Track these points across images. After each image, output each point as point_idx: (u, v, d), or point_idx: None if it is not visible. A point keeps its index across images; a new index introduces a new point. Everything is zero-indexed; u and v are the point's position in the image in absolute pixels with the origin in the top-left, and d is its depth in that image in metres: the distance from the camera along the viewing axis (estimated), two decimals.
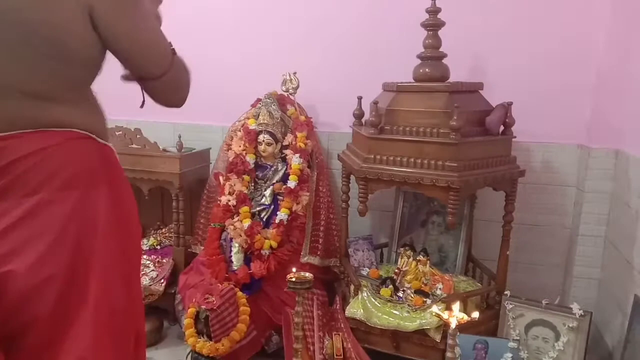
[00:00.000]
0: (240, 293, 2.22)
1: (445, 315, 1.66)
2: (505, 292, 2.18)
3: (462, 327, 1.95)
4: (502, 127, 2.10)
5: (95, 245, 1.06)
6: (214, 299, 2.11)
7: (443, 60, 2.20)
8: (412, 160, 1.99)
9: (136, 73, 1.15)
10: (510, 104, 2.08)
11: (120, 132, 2.63)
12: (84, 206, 1.07)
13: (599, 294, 2.40)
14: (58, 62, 1.02)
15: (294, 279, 1.83)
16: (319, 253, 2.51)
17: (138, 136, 2.61)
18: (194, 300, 2.19)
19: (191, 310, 2.17)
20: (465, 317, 1.65)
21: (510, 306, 2.16)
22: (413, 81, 2.21)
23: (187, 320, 2.16)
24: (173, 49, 1.17)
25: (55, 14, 0.98)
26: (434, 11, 2.14)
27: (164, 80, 1.15)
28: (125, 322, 1.13)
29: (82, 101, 1.13)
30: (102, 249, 1.08)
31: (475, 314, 1.69)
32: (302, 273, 1.86)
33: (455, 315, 1.59)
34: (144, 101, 1.21)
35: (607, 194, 2.33)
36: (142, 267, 2.66)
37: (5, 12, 0.96)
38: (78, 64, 1.06)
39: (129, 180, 2.55)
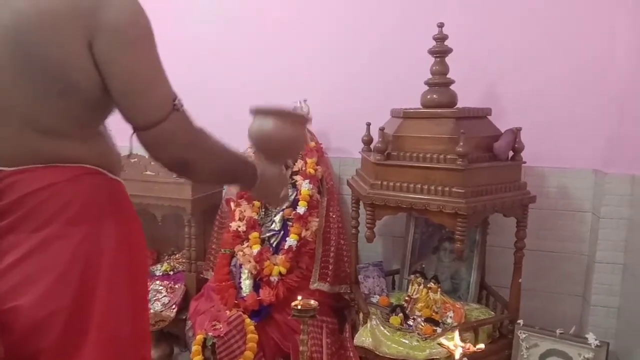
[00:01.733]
0: (248, 320, 2.22)
1: (451, 345, 1.62)
2: (518, 321, 2.12)
3: (474, 358, 1.90)
4: (511, 153, 2.07)
5: (101, 278, 1.08)
6: (221, 325, 2.11)
7: (451, 87, 2.20)
8: (418, 186, 1.98)
9: (127, 118, 1.09)
10: (519, 129, 2.06)
11: (135, 159, 2.68)
12: (91, 241, 1.08)
13: (618, 323, 2.32)
14: (66, 100, 1.03)
15: (299, 307, 1.82)
16: (328, 279, 2.48)
17: (152, 163, 2.65)
18: (202, 327, 2.19)
19: (199, 337, 2.17)
20: (472, 348, 1.61)
21: (524, 335, 2.10)
22: (421, 107, 2.21)
23: (194, 347, 2.16)
24: (175, 105, 1.09)
25: (59, 47, 0.98)
26: (440, 38, 2.15)
27: (153, 133, 1.07)
28: (129, 351, 1.14)
29: (93, 137, 1.14)
30: (108, 283, 1.09)
31: (481, 345, 1.65)
32: (307, 300, 1.85)
33: (459, 345, 1.55)
34: (131, 150, 1.19)
35: (624, 220, 2.27)
36: (154, 293, 2.69)
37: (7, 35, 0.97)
38: (86, 102, 1.05)
39: (143, 206, 2.61)
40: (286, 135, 1.32)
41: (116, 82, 1.04)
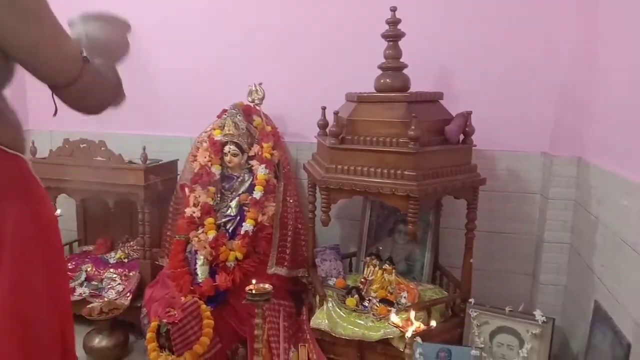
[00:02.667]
0: (204, 306, 2.20)
1: (400, 324, 1.66)
2: (470, 300, 2.18)
3: (427, 336, 1.96)
4: (462, 136, 2.11)
5: (4, 252, 1.05)
6: (175, 312, 2.08)
7: (405, 71, 2.22)
8: (372, 169, 2.00)
9: (43, 81, 1.13)
10: (469, 113, 2.10)
11: (85, 145, 2.61)
12: None
13: (565, 300, 2.41)
14: None
15: (253, 291, 1.82)
16: (286, 264, 2.49)
17: (102, 148, 2.59)
18: (156, 313, 2.17)
19: (153, 324, 2.14)
20: (422, 326, 1.65)
21: (475, 314, 2.16)
22: (375, 91, 2.22)
23: (149, 335, 2.13)
24: (85, 57, 1.15)
25: None
26: (393, 22, 2.16)
27: (74, 88, 1.14)
28: (46, 329, 1.13)
29: None
30: (13, 263, 1.06)
31: (433, 323, 1.69)
32: (262, 285, 1.84)
33: (413, 324, 1.59)
34: (56, 109, 1.19)
35: (571, 201, 2.35)
36: (109, 281, 2.64)
37: None
38: None
39: (94, 193, 2.55)
40: (112, 37, 1.34)
41: (25, 53, 1.06)
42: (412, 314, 1.66)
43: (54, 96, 1.16)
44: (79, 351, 2.33)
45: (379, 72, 2.24)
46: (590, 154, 2.21)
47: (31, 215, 1.12)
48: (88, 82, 1.16)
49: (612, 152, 1.97)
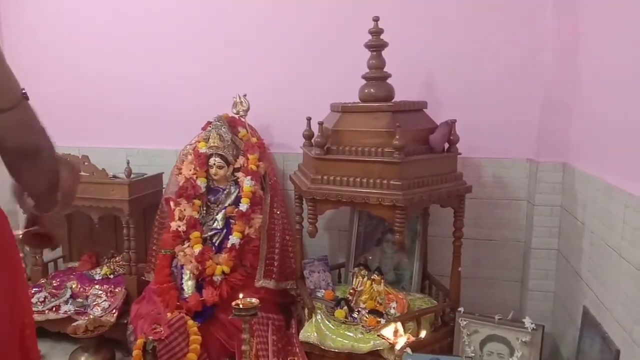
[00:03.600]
0: (191, 322, 2.17)
1: (391, 337, 1.64)
2: (459, 309, 2.17)
3: (417, 346, 1.94)
4: (446, 145, 2.11)
5: None
6: (161, 329, 2.05)
7: (389, 81, 2.22)
8: (358, 180, 1.99)
9: None
10: (454, 121, 2.10)
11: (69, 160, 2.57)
12: None
13: (554, 306, 2.41)
14: None
15: (240, 306, 1.79)
16: (274, 276, 2.47)
17: (86, 163, 2.56)
18: (142, 330, 2.13)
19: (139, 342, 2.11)
20: (412, 338, 1.63)
21: (464, 322, 2.15)
22: (359, 101, 2.22)
23: (135, 352, 2.09)
24: (25, 94, 1.08)
25: None
26: (376, 32, 2.16)
27: (10, 115, 1.05)
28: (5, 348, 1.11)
29: None
30: None
31: (422, 334, 1.68)
32: (249, 299, 1.82)
33: (401, 337, 1.57)
34: None
35: (557, 207, 2.36)
36: (94, 298, 2.60)
37: None
38: None
39: (77, 208, 2.52)
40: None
41: None
42: (400, 326, 1.64)
43: None
44: None
45: (364, 82, 2.24)
46: (575, 159, 2.22)
47: None
48: (24, 116, 1.08)
49: (596, 157, 1.98)
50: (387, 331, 1.73)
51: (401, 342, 1.58)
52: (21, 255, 1.28)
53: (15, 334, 1.16)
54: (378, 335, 1.87)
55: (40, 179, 1.18)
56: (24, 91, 1.08)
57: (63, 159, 1.24)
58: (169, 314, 2.18)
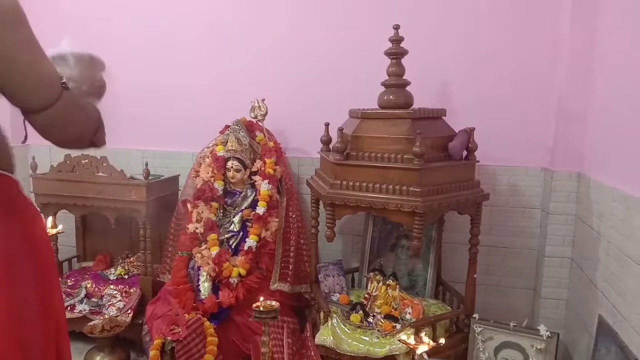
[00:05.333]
0: (207, 323, 2.19)
1: (411, 341, 1.66)
2: (474, 315, 2.19)
3: (432, 352, 1.95)
4: (465, 152, 2.13)
5: None
6: (180, 329, 2.07)
7: (407, 88, 2.24)
8: (377, 185, 2.01)
9: (15, 103, 1.05)
10: (472, 129, 2.12)
11: (86, 161, 2.60)
12: None
13: (567, 314, 2.42)
14: None
15: (260, 309, 1.81)
16: (289, 280, 2.49)
17: (104, 164, 2.58)
18: (160, 331, 2.15)
19: (157, 342, 2.12)
20: (431, 343, 1.65)
21: (479, 329, 2.16)
22: (378, 108, 2.24)
23: (152, 352, 2.11)
24: (64, 84, 1.08)
25: None
26: (396, 40, 2.18)
27: (48, 114, 1.05)
28: (41, 348, 1.12)
29: None
30: (4, 283, 1.05)
31: (442, 340, 1.69)
32: (269, 302, 1.84)
33: (423, 343, 1.59)
34: (26, 135, 1.12)
35: (572, 216, 2.38)
36: (109, 298, 2.62)
37: None
38: None
39: (95, 209, 2.54)
40: (85, 77, 1.28)
41: (1, 77, 0.99)
42: (423, 333, 1.66)
43: (25, 122, 1.08)
44: None
45: (380, 88, 2.27)
46: (590, 169, 2.24)
47: (22, 235, 1.10)
48: (64, 110, 1.08)
49: (611, 167, 2.00)
50: (406, 336, 1.74)
51: (423, 347, 1.59)
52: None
53: (50, 333, 1.17)
54: (399, 340, 1.88)
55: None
56: (63, 81, 1.08)
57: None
58: (186, 315, 2.20)
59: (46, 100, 1.04)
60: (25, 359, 1.09)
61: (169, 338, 2.07)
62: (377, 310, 2.23)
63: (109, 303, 2.62)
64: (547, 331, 2.06)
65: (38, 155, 2.82)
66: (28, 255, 1.12)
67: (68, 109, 1.09)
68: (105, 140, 1.24)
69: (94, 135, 1.18)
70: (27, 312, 1.11)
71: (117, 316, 2.52)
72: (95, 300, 2.65)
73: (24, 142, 1.15)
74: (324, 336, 2.13)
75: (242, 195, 2.54)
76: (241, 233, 2.45)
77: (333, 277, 2.47)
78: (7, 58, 0.98)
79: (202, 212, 2.43)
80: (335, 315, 2.19)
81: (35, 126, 1.08)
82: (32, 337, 1.11)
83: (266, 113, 2.60)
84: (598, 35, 2.19)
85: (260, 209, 2.43)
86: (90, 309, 2.60)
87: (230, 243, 2.44)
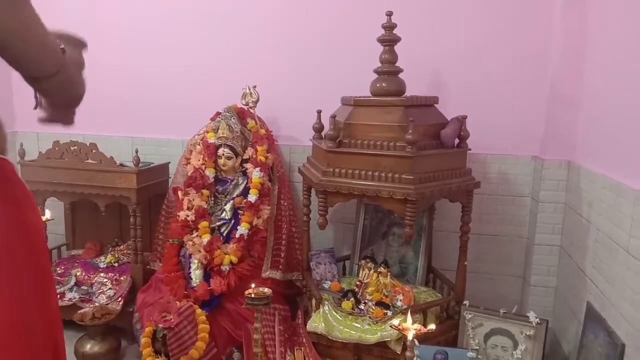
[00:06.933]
0: (199, 310, 2.19)
1: (401, 326, 1.67)
2: (464, 302, 2.20)
3: (422, 338, 1.97)
4: (457, 140, 2.14)
5: None
6: (171, 317, 2.07)
7: (400, 75, 2.23)
8: (370, 173, 2.01)
9: (31, 72, 1.07)
10: (464, 117, 2.12)
11: (75, 147, 2.57)
12: None
13: (555, 301, 2.45)
14: None
15: (252, 295, 1.81)
16: (280, 267, 2.49)
17: (94, 151, 2.55)
18: (151, 318, 2.14)
19: (148, 329, 2.12)
20: (423, 329, 1.66)
21: (470, 316, 2.18)
22: (371, 95, 2.23)
23: (144, 340, 2.11)
24: (63, 48, 1.11)
25: None
26: (389, 27, 2.17)
27: (57, 79, 1.09)
28: (41, 336, 1.11)
29: None
30: (2, 270, 1.04)
31: (432, 326, 1.71)
32: (261, 289, 1.84)
33: (412, 327, 1.60)
34: (37, 104, 1.17)
35: (561, 204, 2.39)
36: (99, 285, 2.61)
37: None
38: None
39: (84, 196, 2.51)
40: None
41: (14, 38, 0.99)
42: (408, 317, 1.67)
43: (36, 92, 1.11)
44: (71, 357, 2.30)
45: (372, 75, 2.26)
46: (580, 157, 2.25)
47: (16, 221, 1.09)
48: (70, 73, 1.12)
49: (602, 156, 2.01)
50: (398, 322, 1.75)
51: (412, 333, 1.60)
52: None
53: (48, 319, 1.16)
54: (390, 326, 1.89)
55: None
56: (61, 47, 1.11)
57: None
58: (177, 303, 2.19)
59: (55, 65, 1.07)
60: (28, 346, 1.09)
61: (160, 325, 2.07)
62: (368, 297, 2.24)
63: (99, 291, 2.61)
64: (536, 318, 2.08)
65: (26, 141, 2.79)
66: (23, 243, 1.11)
67: (72, 72, 1.13)
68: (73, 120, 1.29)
69: (82, 95, 1.22)
70: (25, 299, 1.10)
71: (107, 304, 2.51)
72: (85, 288, 2.63)
73: (35, 108, 1.17)
74: (316, 323, 2.14)
75: (233, 182, 2.52)
76: (233, 221, 2.44)
77: (325, 264, 2.48)
78: (18, 33, 0.99)
79: (193, 199, 2.42)
80: (327, 303, 2.19)
81: (46, 93, 1.12)
82: (33, 324, 1.10)
83: (258, 100, 2.59)
84: (589, 24, 2.20)
85: (252, 197, 2.42)
86: (80, 297, 2.59)
87: (222, 231, 2.43)
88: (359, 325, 2.10)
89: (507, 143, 2.54)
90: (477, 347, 2.13)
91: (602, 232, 1.91)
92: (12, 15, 1.00)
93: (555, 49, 2.37)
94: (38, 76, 1.09)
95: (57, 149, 2.60)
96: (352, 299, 2.21)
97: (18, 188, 1.14)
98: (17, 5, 1.00)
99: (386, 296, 2.23)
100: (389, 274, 2.29)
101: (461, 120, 2.11)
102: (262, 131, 2.59)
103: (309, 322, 2.17)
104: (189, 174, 2.51)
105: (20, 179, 1.14)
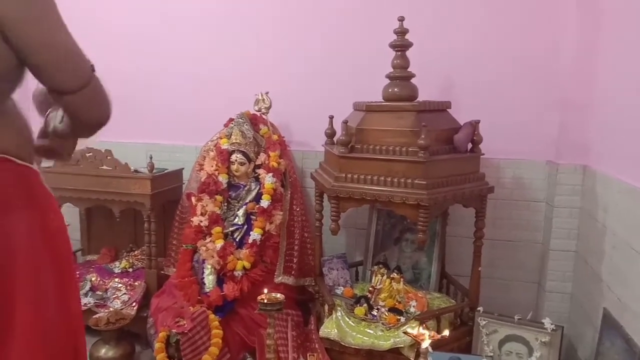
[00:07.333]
0: (212, 316, 2.19)
1: (415, 334, 1.65)
2: (478, 308, 2.19)
3: (436, 345, 1.95)
4: (470, 145, 2.13)
5: (18, 271, 1.05)
6: (185, 322, 2.07)
7: (412, 80, 2.23)
8: (382, 178, 2.00)
9: (54, 86, 1.10)
10: (477, 122, 2.11)
11: (91, 154, 2.60)
12: (1, 230, 1.04)
13: (571, 307, 2.42)
14: None
15: (265, 301, 1.81)
16: (293, 273, 2.49)
17: (109, 157, 2.58)
18: (165, 324, 2.15)
19: (162, 334, 2.13)
20: (436, 335, 1.64)
21: (484, 322, 2.16)
22: (383, 101, 2.23)
23: (157, 345, 2.12)
24: (92, 65, 1.13)
25: None
26: (401, 32, 2.18)
27: (84, 93, 1.10)
28: (60, 341, 1.12)
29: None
30: (28, 275, 1.06)
31: (446, 332, 1.69)
32: (274, 294, 1.84)
33: (427, 335, 1.59)
34: (41, 132, 1.18)
35: (576, 209, 2.37)
36: (114, 291, 2.63)
37: None
38: None
39: (99, 202, 2.55)
40: None
41: (40, 52, 1.03)
42: (422, 326, 1.65)
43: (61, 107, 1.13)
44: None
45: (384, 81, 2.26)
46: (595, 161, 2.23)
47: (41, 227, 1.11)
48: (97, 89, 1.14)
49: (617, 160, 1.99)
50: (412, 329, 1.74)
51: (428, 341, 1.59)
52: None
53: (69, 325, 1.18)
54: (403, 333, 1.88)
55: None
56: (91, 64, 1.13)
57: None
58: (191, 308, 2.20)
59: (83, 80, 1.10)
60: (47, 350, 1.10)
61: (173, 331, 2.08)
62: (381, 303, 2.23)
63: (113, 296, 2.63)
64: (551, 324, 2.06)
65: None
66: (48, 249, 1.13)
67: (99, 88, 1.15)
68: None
69: (104, 123, 1.21)
70: (47, 303, 1.11)
71: (122, 309, 2.53)
72: (100, 293, 2.66)
73: (39, 136, 1.18)
74: (328, 329, 2.14)
75: (246, 188, 2.53)
76: (245, 226, 2.45)
77: (337, 270, 2.48)
78: (46, 43, 1.03)
79: (207, 205, 2.43)
80: (339, 308, 2.19)
81: (72, 107, 1.13)
82: (53, 328, 1.12)
83: (270, 106, 2.60)
84: (602, 26, 2.18)
85: (265, 202, 2.43)
86: (95, 302, 2.61)
87: (235, 236, 2.44)
88: (371, 332, 2.09)
89: (520, 147, 2.52)
90: (492, 354, 2.11)
91: (619, 237, 1.89)
92: (44, 29, 1.01)
93: (567, 51, 2.35)
94: (63, 89, 1.10)
95: (72, 155, 2.63)
96: (365, 304, 2.21)
97: (42, 195, 1.16)
98: (49, 21, 1.02)
99: (399, 302, 2.22)
100: (402, 279, 2.28)
101: (474, 125, 2.10)
102: (275, 137, 2.60)
103: (321, 327, 2.17)
104: (203, 179, 2.52)
105: (45, 186, 1.17)
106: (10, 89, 1.10)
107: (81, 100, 1.12)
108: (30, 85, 1.19)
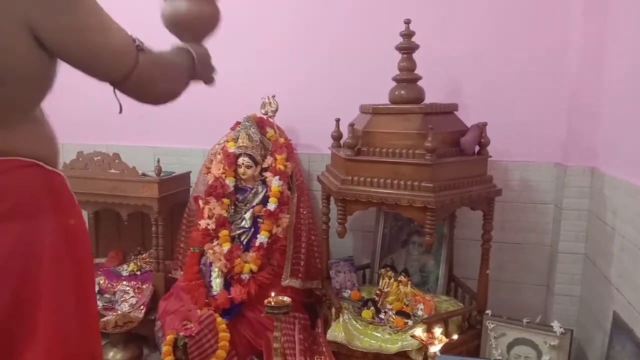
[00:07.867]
0: (219, 319, 2.20)
1: (424, 337, 1.65)
2: (487, 312, 2.17)
3: (444, 348, 1.94)
4: (477, 147, 2.12)
5: (42, 277, 1.05)
6: (192, 325, 2.08)
7: (418, 83, 2.23)
8: (389, 181, 2.00)
9: (100, 79, 1.10)
10: (484, 124, 2.11)
11: (99, 157, 2.62)
12: (28, 238, 1.05)
13: (580, 311, 2.40)
14: None
15: (272, 304, 1.82)
16: (300, 276, 2.49)
17: (116, 161, 2.60)
18: (172, 327, 2.16)
19: (169, 337, 2.13)
20: (444, 338, 1.64)
21: (492, 325, 2.15)
22: (389, 103, 2.23)
23: (165, 348, 2.12)
24: (138, 46, 1.11)
25: None
26: (408, 35, 2.17)
27: (132, 82, 1.10)
28: (80, 349, 1.13)
29: (26, 124, 1.08)
30: (51, 281, 1.06)
31: (454, 336, 1.69)
32: (281, 298, 1.84)
33: (436, 339, 1.58)
34: (120, 106, 1.18)
35: (585, 212, 2.35)
36: (122, 294, 2.65)
37: None
38: (19, 83, 1.00)
39: (107, 205, 2.56)
40: (200, 11, 1.33)
41: (75, 50, 1.03)
42: (437, 330, 1.65)
43: (116, 92, 1.14)
44: None
45: (390, 83, 2.25)
46: (603, 163, 2.21)
47: (64, 230, 1.12)
48: (146, 73, 1.12)
49: (625, 162, 1.97)
50: (420, 332, 1.74)
51: (438, 345, 1.59)
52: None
53: (89, 349, 1.18)
54: (411, 336, 1.88)
55: (176, 90, 1.27)
56: (137, 44, 1.11)
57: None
58: (198, 311, 2.21)
59: (125, 70, 1.09)
60: (67, 353, 1.11)
61: (181, 334, 2.09)
62: (388, 306, 2.23)
63: (121, 299, 2.64)
64: (560, 327, 2.04)
65: None
66: (71, 255, 1.14)
67: (148, 71, 1.14)
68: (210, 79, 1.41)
69: (185, 86, 1.24)
70: (68, 307, 1.12)
71: (129, 312, 2.54)
72: (108, 296, 2.67)
73: (120, 112, 1.19)
74: (336, 332, 2.13)
75: (253, 191, 2.54)
76: (252, 229, 2.45)
77: (344, 273, 2.47)
78: (78, 27, 1.01)
79: (214, 208, 2.44)
80: (346, 312, 2.18)
81: (126, 94, 1.14)
82: (74, 334, 1.12)
83: (277, 109, 2.61)
84: (610, 27, 2.16)
85: (272, 205, 2.43)
86: (103, 305, 2.62)
87: (242, 239, 2.44)
88: (379, 335, 2.08)
89: (528, 150, 2.50)
90: (500, 358, 2.09)
91: (628, 240, 1.87)
92: (73, 26, 1.00)
93: (575, 52, 2.33)
94: (106, 81, 1.10)
95: (80, 159, 2.65)
96: (372, 308, 2.20)
97: (67, 199, 1.17)
98: (77, 14, 1.00)
99: (407, 305, 2.21)
100: (409, 282, 2.27)
101: (481, 127, 2.10)
102: (281, 140, 2.60)
103: (328, 331, 2.16)
104: (210, 183, 2.53)
105: (69, 191, 1.18)
106: (40, 97, 1.11)
107: (134, 86, 1.13)
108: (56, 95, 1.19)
